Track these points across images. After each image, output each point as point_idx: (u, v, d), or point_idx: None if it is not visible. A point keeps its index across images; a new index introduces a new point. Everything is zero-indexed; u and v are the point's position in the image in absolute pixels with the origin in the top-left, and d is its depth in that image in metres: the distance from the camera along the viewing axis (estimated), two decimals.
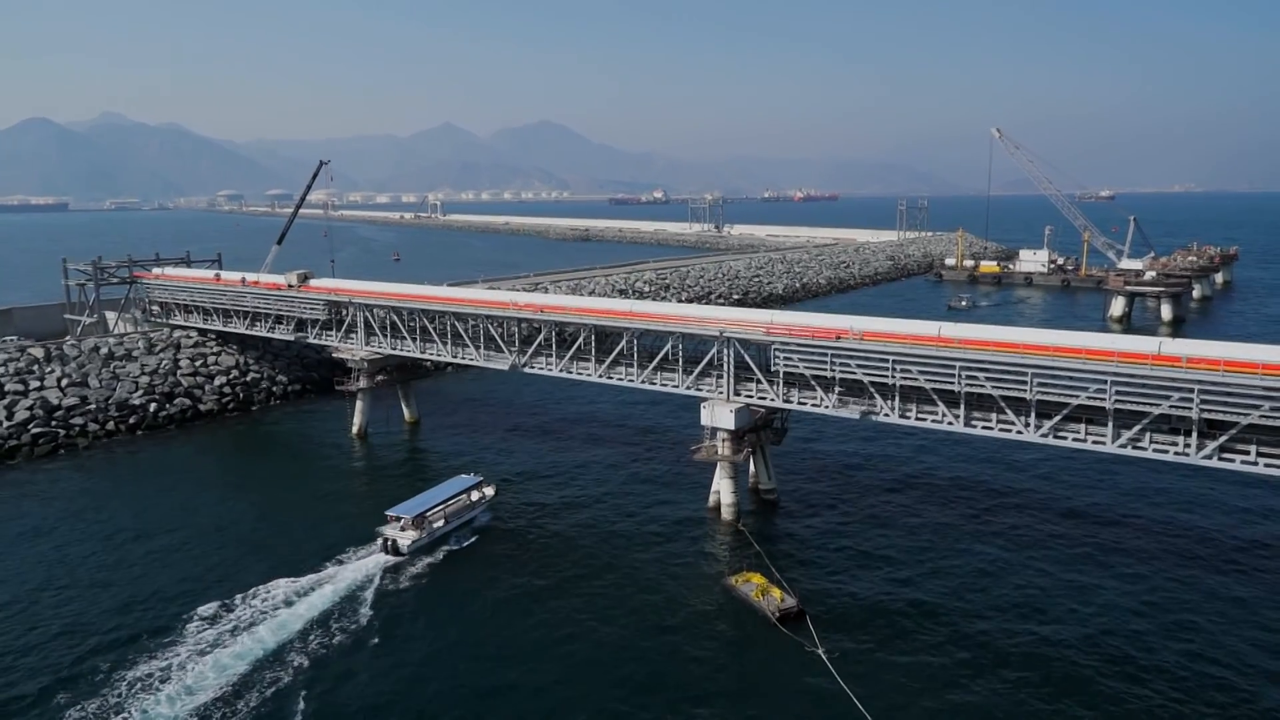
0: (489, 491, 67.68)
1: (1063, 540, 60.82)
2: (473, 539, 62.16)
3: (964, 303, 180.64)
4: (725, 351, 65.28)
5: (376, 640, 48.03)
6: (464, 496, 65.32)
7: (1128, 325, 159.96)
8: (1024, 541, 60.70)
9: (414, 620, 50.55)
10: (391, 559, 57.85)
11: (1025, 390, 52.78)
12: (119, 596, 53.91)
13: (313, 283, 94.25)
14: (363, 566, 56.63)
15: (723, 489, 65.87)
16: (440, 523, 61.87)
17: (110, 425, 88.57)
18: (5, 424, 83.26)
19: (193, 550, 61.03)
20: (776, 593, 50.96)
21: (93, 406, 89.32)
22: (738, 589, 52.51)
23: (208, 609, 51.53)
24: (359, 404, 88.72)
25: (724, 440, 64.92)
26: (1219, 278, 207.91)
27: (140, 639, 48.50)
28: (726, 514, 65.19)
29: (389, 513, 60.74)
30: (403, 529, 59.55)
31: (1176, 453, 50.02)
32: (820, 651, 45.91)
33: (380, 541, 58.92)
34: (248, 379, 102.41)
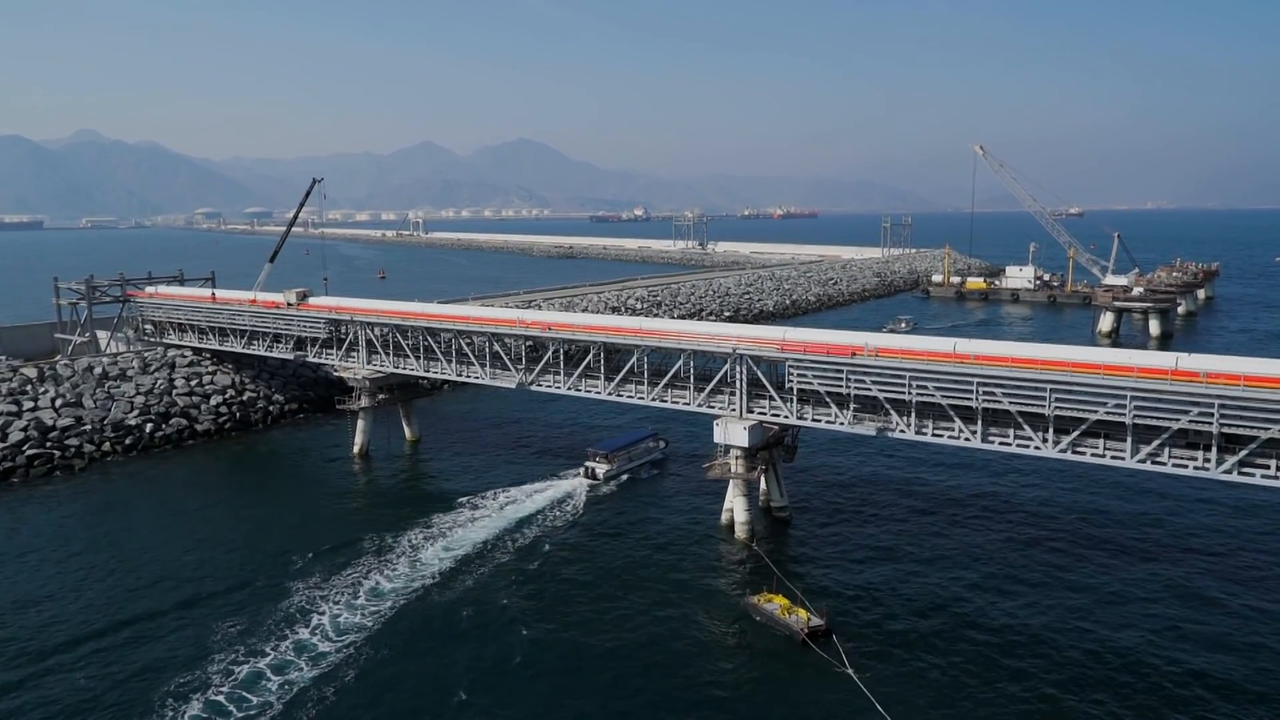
0: (663, 443, 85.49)
1: (1079, 548, 60.92)
2: (651, 473, 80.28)
3: (904, 324, 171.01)
4: (738, 369, 65.15)
5: (579, 527, 67.60)
6: (644, 443, 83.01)
7: (1116, 340, 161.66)
8: (1041, 552, 60.71)
9: (599, 515, 70.05)
10: (590, 482, 76.30)
11: (1043, 406, 52.98)
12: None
13: (311, 300, 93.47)
14: (572, 484, 76.25)
15: (736, 507, 65.55)
16: (626, 460, 79.37)
17: (106, 446, 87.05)
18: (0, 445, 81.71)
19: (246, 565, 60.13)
20: (802, 613, 50.57)
21: (88, 427, 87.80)
22: (761, 608, 52.07)
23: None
24: (360, 423, 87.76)
25: (738, 458, 64.68)
26: (1201, 293, 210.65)
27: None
28: (740, 532, 64.85)
29: (589, 449, 79.51)
30: (599, 461, 77.35)
31: (1196, 467, 50.31)
32: (850, 671, 45.57)
33: (583, 468, 77.53)
34: (244, 398, 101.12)
